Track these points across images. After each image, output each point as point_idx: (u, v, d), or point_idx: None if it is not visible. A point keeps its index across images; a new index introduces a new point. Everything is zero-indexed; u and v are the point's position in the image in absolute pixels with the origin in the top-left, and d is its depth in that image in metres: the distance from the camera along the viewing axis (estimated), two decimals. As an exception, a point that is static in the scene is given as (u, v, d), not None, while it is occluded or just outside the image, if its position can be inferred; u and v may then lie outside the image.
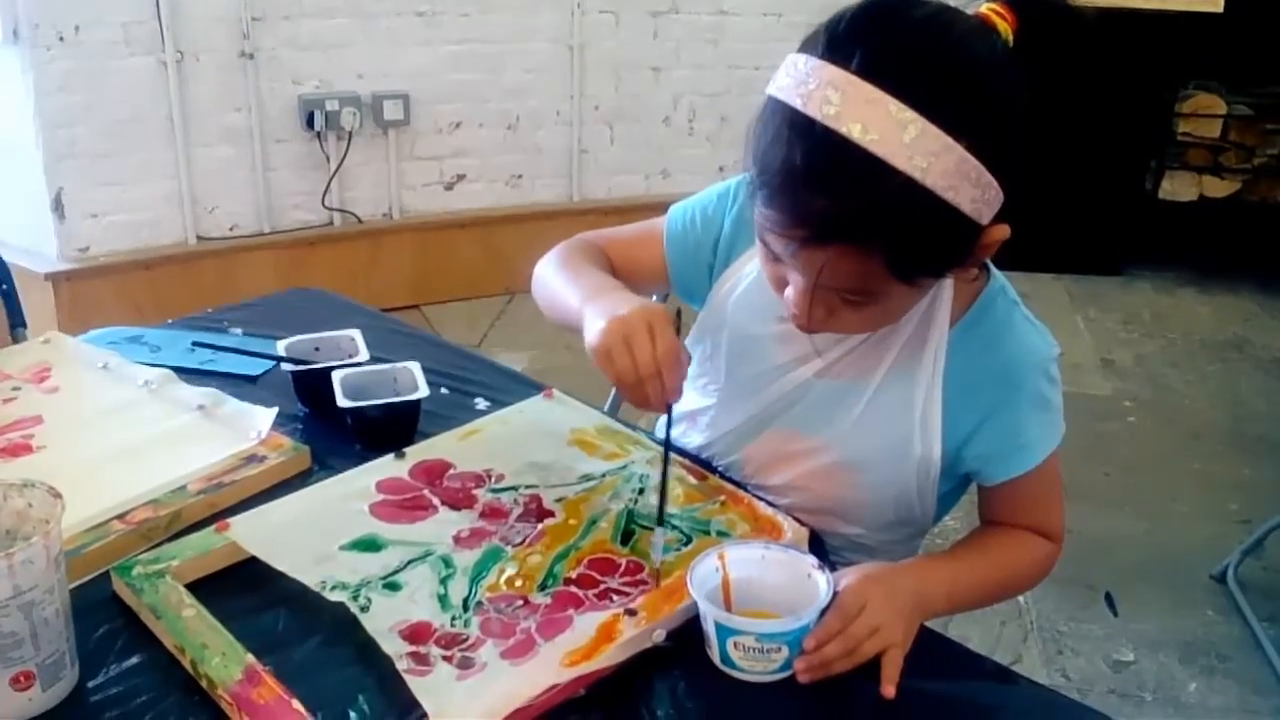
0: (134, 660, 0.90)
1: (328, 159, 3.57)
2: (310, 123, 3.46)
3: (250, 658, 0.86)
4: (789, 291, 0.96)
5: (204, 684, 0.86)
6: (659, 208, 1.26)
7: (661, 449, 1.18)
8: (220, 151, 3.42)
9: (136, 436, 1.19)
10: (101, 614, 0.94)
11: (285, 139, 3.50)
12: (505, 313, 3.75)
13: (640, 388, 0.96)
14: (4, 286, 1.72)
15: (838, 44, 0.85)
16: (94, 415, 1.24)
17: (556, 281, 1.14)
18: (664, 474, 1.04)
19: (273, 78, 3.42)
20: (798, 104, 0.85)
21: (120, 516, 1.04)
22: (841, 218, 0.85)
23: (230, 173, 3.45)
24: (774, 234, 0.90)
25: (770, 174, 0.87)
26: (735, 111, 4.01)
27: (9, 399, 1.27)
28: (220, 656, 0.86)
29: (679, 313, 1.02)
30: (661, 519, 1.02)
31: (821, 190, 0.85)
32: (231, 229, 3.51)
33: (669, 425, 1.06)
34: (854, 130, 0.82)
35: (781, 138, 0.86)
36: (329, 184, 3.59)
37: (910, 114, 0.81)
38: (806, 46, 0.88)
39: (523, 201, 3.94)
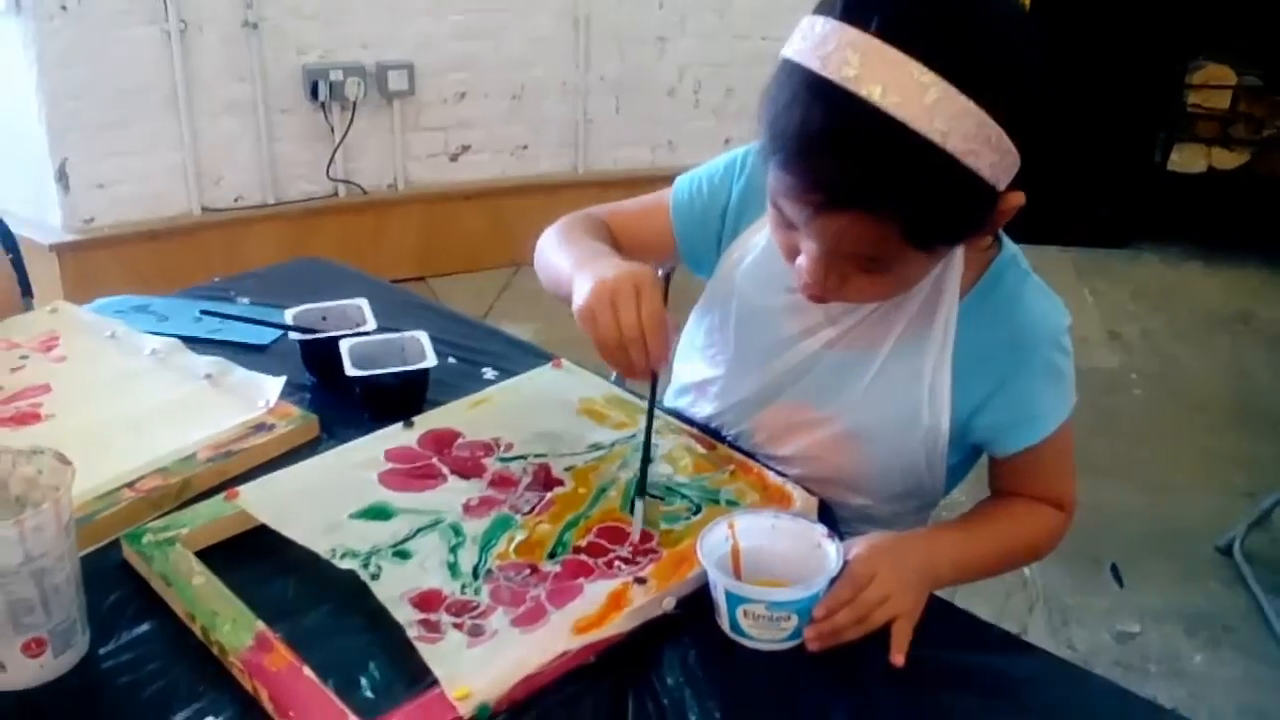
0: (145, 627, 0.90)
1: (332, 130, 3.55)
2: (314, 93, 3.45)
3: (261, 625, 0.86)
4: (801, 259, 0.95)
5: (215, 651, 0.86)
6: (664, 179, 1.25)
7: (666, 417, 1.19)
8: (224, 122, 3.40)
9: (144, 405, 1.19)
10: (112, 581, 0.95)
11: (289, 109, 3.49)
12: (511, 284, 3.74)
13: (623, 351, 0.94)
14: (12, 255, 1.72)
15: (857, 5, 0.84)
16: (102, 384, 1.24)
17: (555, 254, 1.13)
18: (646, 444, 1.03)
19: (276, 48, 3.40)
20: (816, 66, 0.84)
21: (130, 484, 1.04)
22: (860, 182, 0.84)
23: (235, 143, 3.44)
24: (789, 199, 0.89)
25: (787, 138, 0.86)
26: (741, 82, 3.98)
27: (17, 368, 1.27)
28: (231, 624, 0.86)
29: (668, 278, 1.00)
30: (643, 490, 1.01)
31: (840, 154, 0.84)
32: (236, 200, 3.50)
33: (653, 393, 1.04)
34: (874, 93, 0.81)
35: (799, 100, 0.85)
36: (333, 155, 3.58)
37: (931, 76, 0.80)
38: (823, 8, 0.86)
39: (528, 172, 3.92)
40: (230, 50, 3.33)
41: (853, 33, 0.82)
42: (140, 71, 3.22)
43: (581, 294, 0.96)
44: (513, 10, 3.68)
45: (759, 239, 1.14)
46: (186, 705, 0.82)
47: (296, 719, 0.79)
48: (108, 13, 3.11)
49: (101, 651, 0.88)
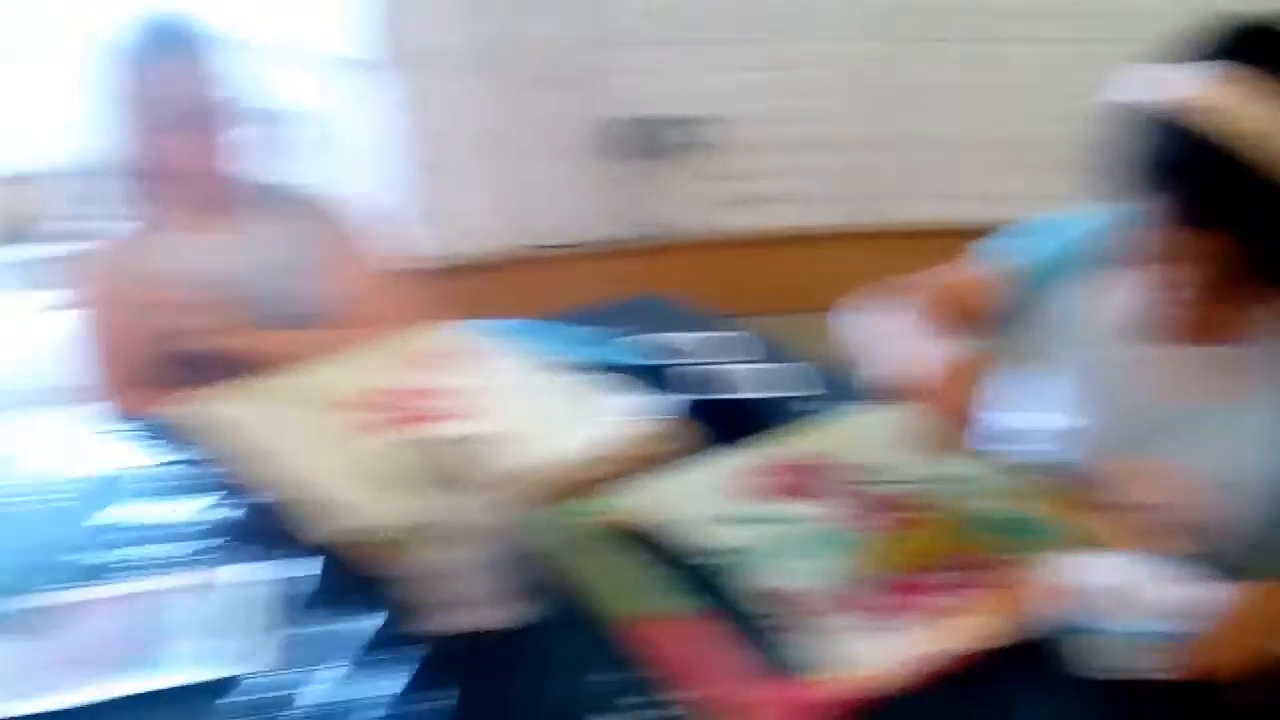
0: (555, 601, 1.05)
1: (642, 177, 3.81)
2: (628, 142, 3.72)
3: (649, 608, 1.01)
4: (1156, 285, 1.01)
5: (614, 624, 1.01)
6: (959, 234, 1.34)
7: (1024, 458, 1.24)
8: (547, 167, 3.74)
9: (537, 414, 1.35)
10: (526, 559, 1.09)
11: (602, 156, 3.77)
12: (822, 329, 3.78)
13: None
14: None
15: (1208, 53, 0.92)
16: (498, 394, 1.40)
17: (876, 339, 1.31)
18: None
19: (595, 101, 3.70)
20: (1163, 104, 0.92)
21: (531, 477, 1.18)
22: (1215, 207, 0.91)
23: (554, 187, 3.77)
24: (1147, 229, 0.96)
25: (1139, 170, 0.94)
26: (1032, 136, 3.89)
27: (423, 374, 1.47)
28: (628, 600, 1.02)
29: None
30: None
31: (1196, 180, 0.91)
32: (557, 239, 3.81)
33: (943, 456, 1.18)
34: (1227, 124, 0.87)
35: (1148, 136, 0.93)
36: (642, 201, 3.84)
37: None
38: (1166, 56, 0.94)
39: (828, 221, 4.01)
40: (550, 99, 3.65)
41: (1202, 73, 0.90)
42: (473, 120, 3.60)
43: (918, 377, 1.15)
44: (810, 68, 3.81)
45: (1093, 295, 1.19)
46: (596, 671, 0.97)
47: (699, 683, 0.92)
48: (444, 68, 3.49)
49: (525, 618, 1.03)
